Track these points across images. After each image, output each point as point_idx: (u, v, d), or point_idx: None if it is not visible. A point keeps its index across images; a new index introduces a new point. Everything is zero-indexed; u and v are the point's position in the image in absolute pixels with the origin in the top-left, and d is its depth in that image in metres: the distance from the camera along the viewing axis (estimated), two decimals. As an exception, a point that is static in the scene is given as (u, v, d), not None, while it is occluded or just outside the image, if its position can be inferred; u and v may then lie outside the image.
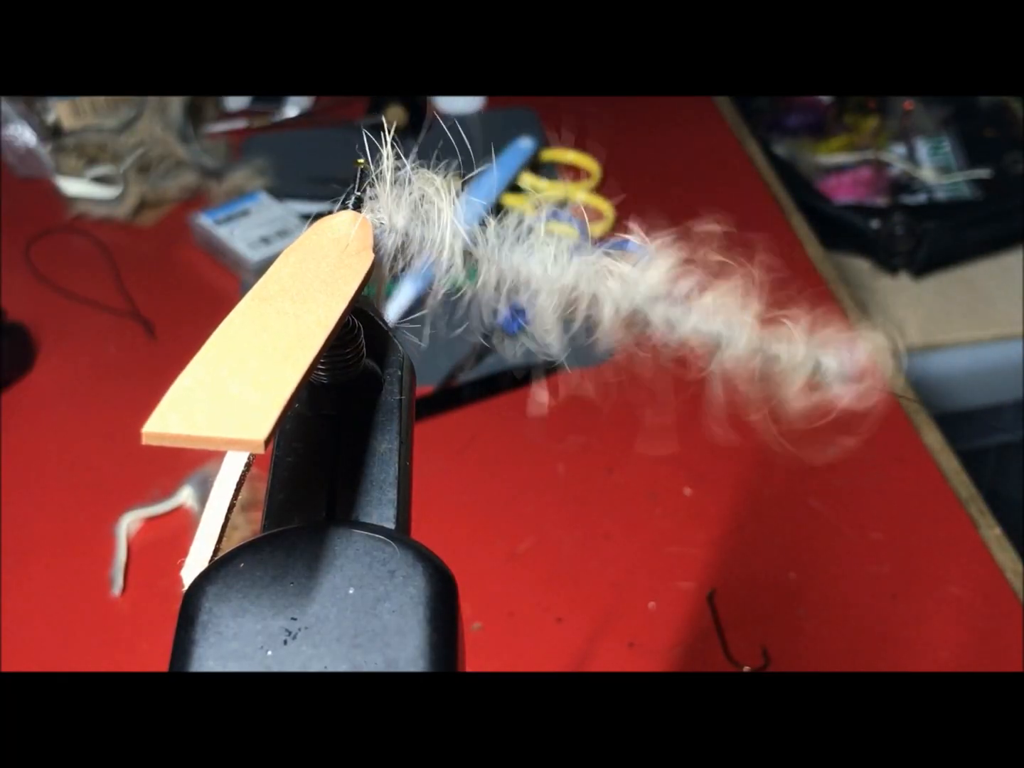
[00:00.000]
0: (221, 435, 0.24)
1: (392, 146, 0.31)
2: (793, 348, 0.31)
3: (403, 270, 0.32)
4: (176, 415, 0.24)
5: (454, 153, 0.32)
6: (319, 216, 0.31)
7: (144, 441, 0.24)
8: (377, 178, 0.31)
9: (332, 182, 0.30)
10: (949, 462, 0.85)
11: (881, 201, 1.31)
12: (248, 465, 0.31)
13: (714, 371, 0.31)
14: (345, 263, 0.30)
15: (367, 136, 0.30)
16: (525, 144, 1.14)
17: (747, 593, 0.75)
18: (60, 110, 1.17)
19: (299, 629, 0.26)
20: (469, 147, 0.33)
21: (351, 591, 0.27)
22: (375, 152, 0.31)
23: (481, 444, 0.87)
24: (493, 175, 1.08)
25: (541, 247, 0.31)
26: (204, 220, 1.06)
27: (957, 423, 1.12)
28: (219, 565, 0.28)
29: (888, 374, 0.31)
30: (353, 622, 0.27)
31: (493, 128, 1.22)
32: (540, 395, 0.84)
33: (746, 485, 0.83)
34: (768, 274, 0.30)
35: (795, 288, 0.30)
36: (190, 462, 0.81)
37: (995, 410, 1.29)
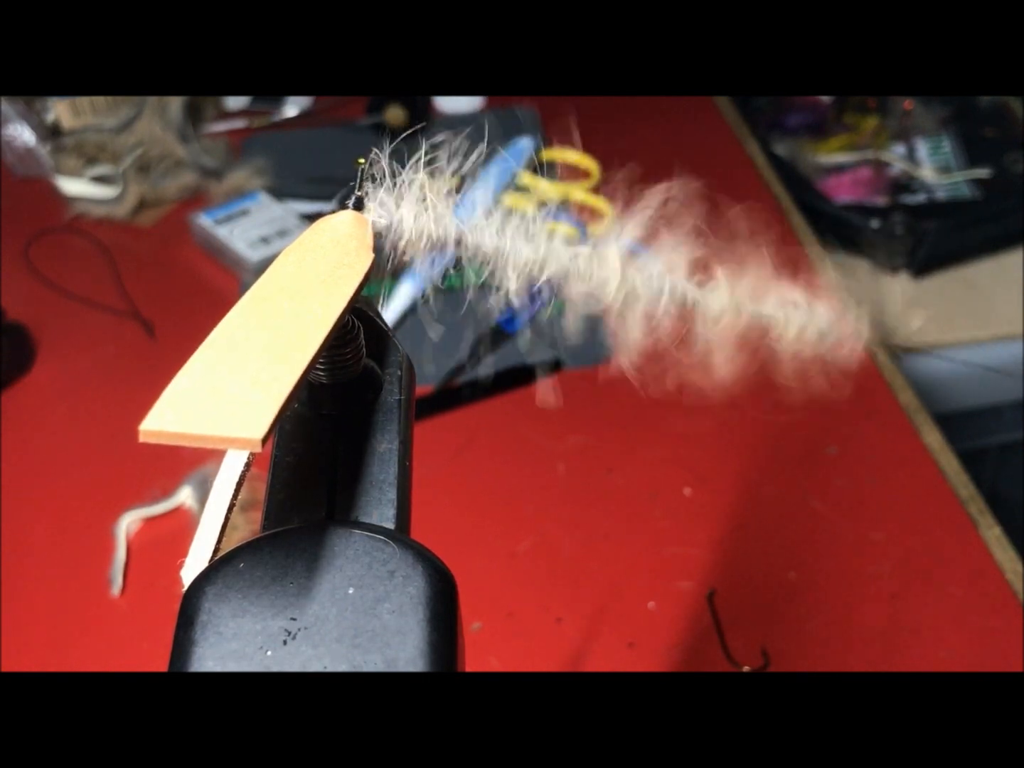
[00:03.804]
0: (218, 434, 0.24)
1: (392, 146, 0.31)
2: (786, 309, 0.31)
3: (403, 270, 0.32)
4: (173, 413, 0.24)
5: (454, 153, 0.32)
6: (320, 216, 0.31)
7: (141, 439, 0.24)
8: (377, 178, 0.31)
9: (332, 182, 0.30)
10: (949, 462, 0.85)
11: (881, 201, 1.31)
12: (248, 465, 0.31)
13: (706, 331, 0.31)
14: (345, 263, 0.30)
15: (368, 136, 0.30)
16: (525, 144, 1.14)
17: (747, 593, 0.75)
18: (59, 110, 1.17)
19: (299, 629, 0.26)
20: (469, 147, 0.33)
21: (351, 591, 0.27)
22: (376, 152, 0.31)
23: (481, 444, 0.87)
24: (493, 175, 1.08)
25: (538, 237, 0.31)
26: (204, 220, 1.06)
27: (957, 423, 1.12)
28: (218, 565, 0.28)
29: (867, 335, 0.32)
30: (353, 622, 0.27)
31: (493, 128, 1.21)
32: (547, 389, 0.84)
33: (746, 485, 0.83)
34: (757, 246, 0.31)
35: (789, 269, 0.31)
36: (190, 462, 0.81)
37: (995, 410, 1.29)
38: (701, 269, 0.32)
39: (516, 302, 0.32)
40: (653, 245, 0.31)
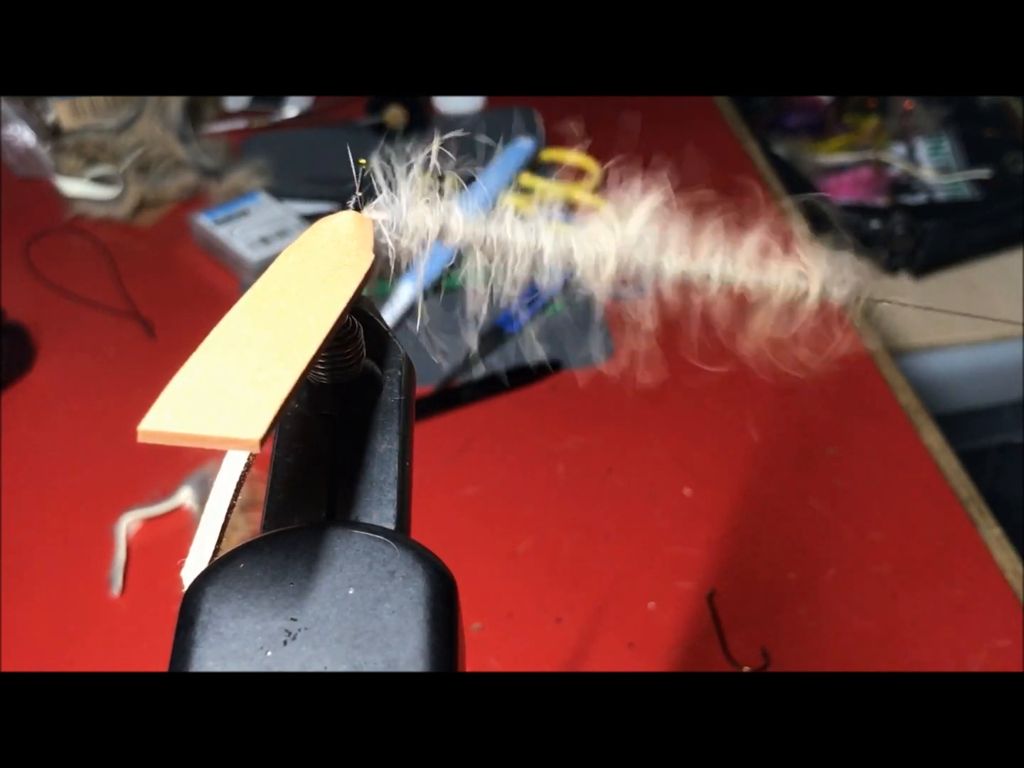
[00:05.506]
0: (216, 434, 0.24)
1: (392, 146, 0.31)
2: (776, 276, 0.32)
3: (403, 270, 0.32)
4: (172, 413, 0.24)
5: (454, 153, 0.32)
6: (320, 216, 0.31)
7: (139, 439, 0.24)
8: (378, 178, 0.31)
9: (332, 182, 0.30)
10: (949, 462, 0.85)
11: (881, 201, 1.31)
12: (248, 465, 0.31)
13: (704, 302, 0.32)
14: (345, 263, 0.30)
15: (368, 136, 0.30)
16: (525, 144, 1.14)
17: (747, 593, 0.75)
18: (60, 110, 1.17)
19: (299, 630, 0.26)
20: (469, 147, 0.33)
21: (351, 591, 0.27)
22: (376, 153, 0.31)
23: (481, 444, 0.87)
24: (493, 175, 1.08)
25: (537, 227, 0.31)
26: (204, 220, 1.06)
27: (957, 423, 1.12)
28: (219, 566, 0.28)
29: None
30: (353, 622, 0.26)
31: (493, 128, 1.22)
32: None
33: (746, 485, 0.83)
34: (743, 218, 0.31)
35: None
36: (190, 462, 0.81)
37: (995, 410, 1.29)
38: (696, 245, 0.32)
39: (516, 301, 0.32)
40: (650, 227, 0.32)
